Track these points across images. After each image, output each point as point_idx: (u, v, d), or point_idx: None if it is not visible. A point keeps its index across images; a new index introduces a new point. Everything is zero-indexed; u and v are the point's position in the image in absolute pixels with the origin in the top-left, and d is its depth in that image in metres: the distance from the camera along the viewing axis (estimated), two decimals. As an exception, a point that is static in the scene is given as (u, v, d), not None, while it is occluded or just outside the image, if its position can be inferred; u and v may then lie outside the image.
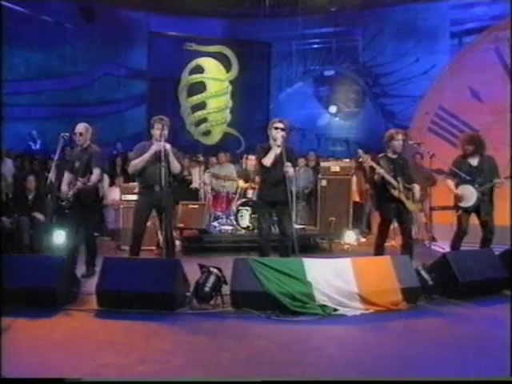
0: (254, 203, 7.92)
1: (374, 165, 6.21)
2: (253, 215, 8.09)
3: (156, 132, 5.84)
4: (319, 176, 9.31)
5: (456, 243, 6.54)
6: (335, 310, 4.80)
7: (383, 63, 13.55)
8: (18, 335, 4.14)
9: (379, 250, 6.39)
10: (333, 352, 3.89)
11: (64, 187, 6.14)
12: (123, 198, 8.27)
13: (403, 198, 6.23)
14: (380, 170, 6.14)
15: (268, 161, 5.93)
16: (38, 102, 12.43)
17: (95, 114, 12.45)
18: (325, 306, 4.79)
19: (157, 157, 5.71)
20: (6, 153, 9.51)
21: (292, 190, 8.83)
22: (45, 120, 12.31)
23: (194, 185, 9.76)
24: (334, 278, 4.95)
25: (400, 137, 6.32)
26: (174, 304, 4.80)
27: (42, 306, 4.71)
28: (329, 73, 14.41)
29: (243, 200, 8.42)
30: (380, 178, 6.16)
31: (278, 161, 5.89)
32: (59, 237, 7.38)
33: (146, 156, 5.80)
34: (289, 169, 5.80)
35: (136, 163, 5.88)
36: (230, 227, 8.35)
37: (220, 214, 8.71)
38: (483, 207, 6.43)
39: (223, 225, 8.46)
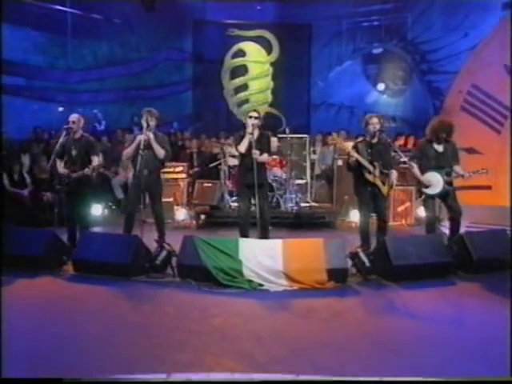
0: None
1: (349, 149, 6.44)
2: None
3: (143, 123, 6.67)
4: (335, 156, 9.64)
5: (429, 228, 6.58)
6: (260, 285, 5.44)
7: (431, 39, 13.24)
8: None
9: (363, 230, 6.56)
10: (221, 322, 4.45)
11: (61, 170, 6.76)
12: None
13: (378, 182, 6.41)
14: (354, 154, 6.33)
15: (242, 147, 6.53)
16: (103, 87, 13.70)
17: (154, 96, 13.63)
18: (251, 281, 5.44)
19: (143, 145, 6.48)
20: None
21: (307, 169, 9.44)
22: (109, 103, 13.68)
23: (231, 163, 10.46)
24: (263, 257, 5.57)
25: (374, 121, 6.42)
26: (129, 273, 5.71)
27: (32, 269, 5.81)
28: (377, 50, 14.38)
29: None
30: (355, 162, 6.37)
31: (251, 147, 6.44)
32: (95, 210, 8.74)
33: (133, 145, 6.66)
34: (256, 155, 6.36)
35: (127, 152, 6.80)
36: (240, 204, 9.07)
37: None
38: (449, 194, 6.52)
39: (234, 202, 9.18)
